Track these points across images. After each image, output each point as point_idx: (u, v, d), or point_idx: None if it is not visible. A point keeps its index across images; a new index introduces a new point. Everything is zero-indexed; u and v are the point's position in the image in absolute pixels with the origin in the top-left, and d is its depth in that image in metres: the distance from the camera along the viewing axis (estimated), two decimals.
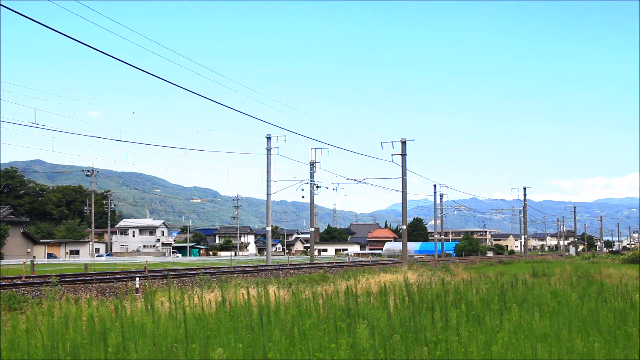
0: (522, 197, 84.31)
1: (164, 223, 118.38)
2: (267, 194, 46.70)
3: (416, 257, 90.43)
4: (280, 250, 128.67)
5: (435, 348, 6.62)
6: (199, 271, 27.90)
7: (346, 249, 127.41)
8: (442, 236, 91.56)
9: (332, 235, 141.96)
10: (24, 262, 29.69)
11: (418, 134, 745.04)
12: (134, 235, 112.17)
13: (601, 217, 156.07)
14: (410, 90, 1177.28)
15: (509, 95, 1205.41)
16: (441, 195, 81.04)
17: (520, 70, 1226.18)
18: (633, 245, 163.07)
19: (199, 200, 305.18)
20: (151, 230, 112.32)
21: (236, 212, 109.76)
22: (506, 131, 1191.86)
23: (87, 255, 79.76)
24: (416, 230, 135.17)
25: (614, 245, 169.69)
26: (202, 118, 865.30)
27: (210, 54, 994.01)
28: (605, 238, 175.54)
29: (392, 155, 43.24)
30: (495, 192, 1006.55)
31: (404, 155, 42.97)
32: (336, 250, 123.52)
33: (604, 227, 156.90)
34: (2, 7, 12.87)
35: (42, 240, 75.03)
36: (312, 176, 52.16)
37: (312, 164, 51.95)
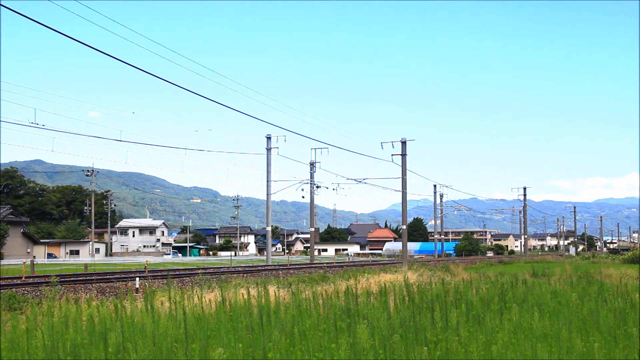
0: (522, 197, 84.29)
1: (164, 223, 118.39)
2: (267, 194, 46.69)
3: (416, 257, 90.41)
4: (280, 250, 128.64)
5: (435, 348, 6.62)
6: (199, 271, 27.90)
7: (346, 249, 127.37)
8: (442, 236, 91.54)
9: (332, 235, 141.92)
10: (24, 262, 29.68)
11: (418, 134, 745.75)
12: (134, 235, 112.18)
13: (601, 217, 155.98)
14: (410, 90, 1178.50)
15: (509, 95, 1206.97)
16: (441, 195, 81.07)
17: (520, 70, 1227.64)
18: (617, 245, 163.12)
19: (199, 200, 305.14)
20: (151, 230, 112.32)
21: (236, 212, 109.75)
22: (506, 131, 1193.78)
23: (87, 255, 79.76)
24: (416, 230, 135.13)
25: (611, 244, 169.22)
26: (202, 118, 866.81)
27: (210, 54, 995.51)
28: (605, 238, 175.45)
29: (392, 155, 43.21)
30: (495, 192, 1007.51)
31: (404, 155, 42.94)
32: (336, 250, 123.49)
33: (604, 227, 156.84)
34: (2, 7, 12.87)
35: (42, 240, 75.01)
36: (312, 176, 52.15)
37: (312, 164, 51.93)
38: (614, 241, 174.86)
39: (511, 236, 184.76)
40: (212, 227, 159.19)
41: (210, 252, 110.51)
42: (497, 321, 8.15)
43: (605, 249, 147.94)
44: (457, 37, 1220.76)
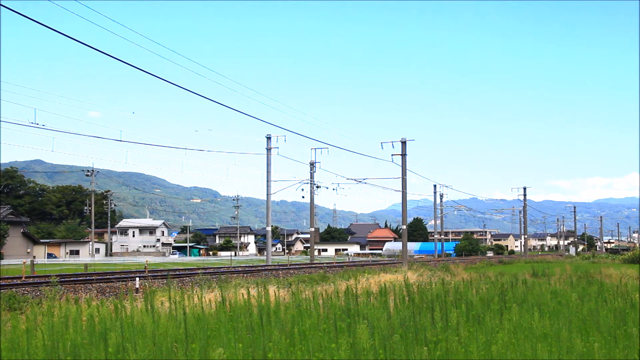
0: (522, 197, 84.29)
1: (164, 223, 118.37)
2: (267, 194, 46.68)
3: (416, 257, 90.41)
4: (280, 250, 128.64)
5: (435, 348, 6.62)
6: (199, 271, 27.89)
7: (346, 249, 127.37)
8: (442, 236, 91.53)
9: (332, 235, 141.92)
10: (24, 262, 29.68)
11: (418, 134, 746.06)
12: (134, 235, 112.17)
13: (601, 217, 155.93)
14: (410, 90, 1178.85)
15: (509, 95, 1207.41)
16: (441, 195, 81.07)
17: (520, 70, 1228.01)
18: (614, 245, 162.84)
19: (199, 200, 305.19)
20: (151, 230, 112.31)
21: (236, 212, 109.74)
22: (506, 131, 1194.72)
23: (87, 255, 79.76)
24: (416, 230, 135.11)
25: (608, 243, 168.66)
26: (202, 118, 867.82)
27: (210, 54, 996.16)
28: (605, 238, 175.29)
29: (392, 155, 43.21)
30: (495, 192, 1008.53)
31: (404, 155, 42.94)
32: (336, 250, 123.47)
33: (604, 227, 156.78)
34: (2, 7, 12.87)
35: (42, 240, 75.01)
36: (312, 176, 52.14)
37: (312, 164, 51.92)
38: (611, 241, 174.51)
39: (511, 236, 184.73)
40: (212, 227, 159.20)
41: (210, 252, 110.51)
42: (497, 321, 8.15)
43: (604, 250, 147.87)
44: (457, 37, 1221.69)
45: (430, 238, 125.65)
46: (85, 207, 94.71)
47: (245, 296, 9.44)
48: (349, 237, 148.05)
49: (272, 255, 62.86)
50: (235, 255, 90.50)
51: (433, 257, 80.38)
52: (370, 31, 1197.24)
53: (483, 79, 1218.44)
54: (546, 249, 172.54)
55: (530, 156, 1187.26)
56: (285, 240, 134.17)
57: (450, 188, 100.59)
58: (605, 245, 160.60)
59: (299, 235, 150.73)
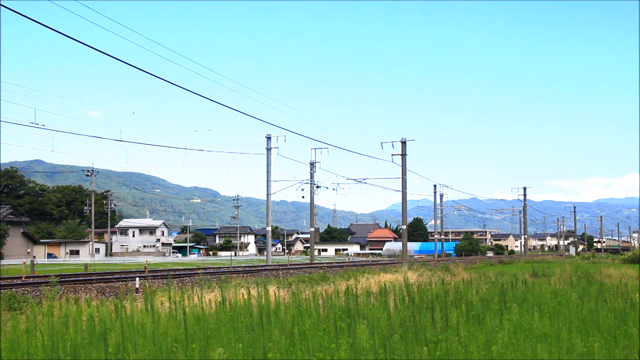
0: (522, 197, 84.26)
1: (164, 223, 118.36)
2: (267, 194, 46.67)
3: (416, 257, 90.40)
4: (280, 250, 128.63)
5: (435, 348, 6.62)
6: (199, 271, 27.90)
7: (346, 249, 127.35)
8: (442, 236, 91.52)
9: (332, 235, 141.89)
10: (24, 262, 29.68)
11: (418, 134, 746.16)
12: (134, 235, 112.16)
13: (601, 217, 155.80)
14: (410, 90, 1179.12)
15: (509, 95, 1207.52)
16: (441, 195, 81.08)
17: (520, 70, 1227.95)
18: (605, 244, 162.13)
19: (199, 200, 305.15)
20: (151, 230, 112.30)
21: (236, 212, 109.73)
22: (506, 131, 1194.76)
23: (87, 255, 79.76)
24: (416, 230, 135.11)
25: (599, 243, 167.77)
26: (202, 118, 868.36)
27: (210, 54, 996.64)
28: (605, 238, 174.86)
29: (392, 155, 43.21)
30: (495, 192, 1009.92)
31: (404, 155, 42.93)
32: (336, 250, 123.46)
33: (604, 227, 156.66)
34: (2, 7, 12.87)
35: (42, 240, 74.99)
36: (312, 176, 52.14)
37: (312, 164, 51.92)
38: (601, 241, 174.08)
39: (511, 236, 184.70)
40: (212, 227, 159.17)
41: (210, 252, 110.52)
42: (497, 321, 8.14)
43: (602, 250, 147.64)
44: (457, 37, 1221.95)
45: (430, 238, 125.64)
46: (85, 207, 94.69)
47: (245, 296, 9.44)
48: (349, 237, 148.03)
49: (272, 255, 62.86)
50: (235, 255, 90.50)
51: (433, 257, 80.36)
52: (371, 31, 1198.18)
53: (483, 79, 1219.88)
54: (546, 249, 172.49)
55: (530, 156, 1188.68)
56: (285, 240, 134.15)
57: (450, 188, 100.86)
58: (598, 245, 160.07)
59: (299, 235, 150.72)
